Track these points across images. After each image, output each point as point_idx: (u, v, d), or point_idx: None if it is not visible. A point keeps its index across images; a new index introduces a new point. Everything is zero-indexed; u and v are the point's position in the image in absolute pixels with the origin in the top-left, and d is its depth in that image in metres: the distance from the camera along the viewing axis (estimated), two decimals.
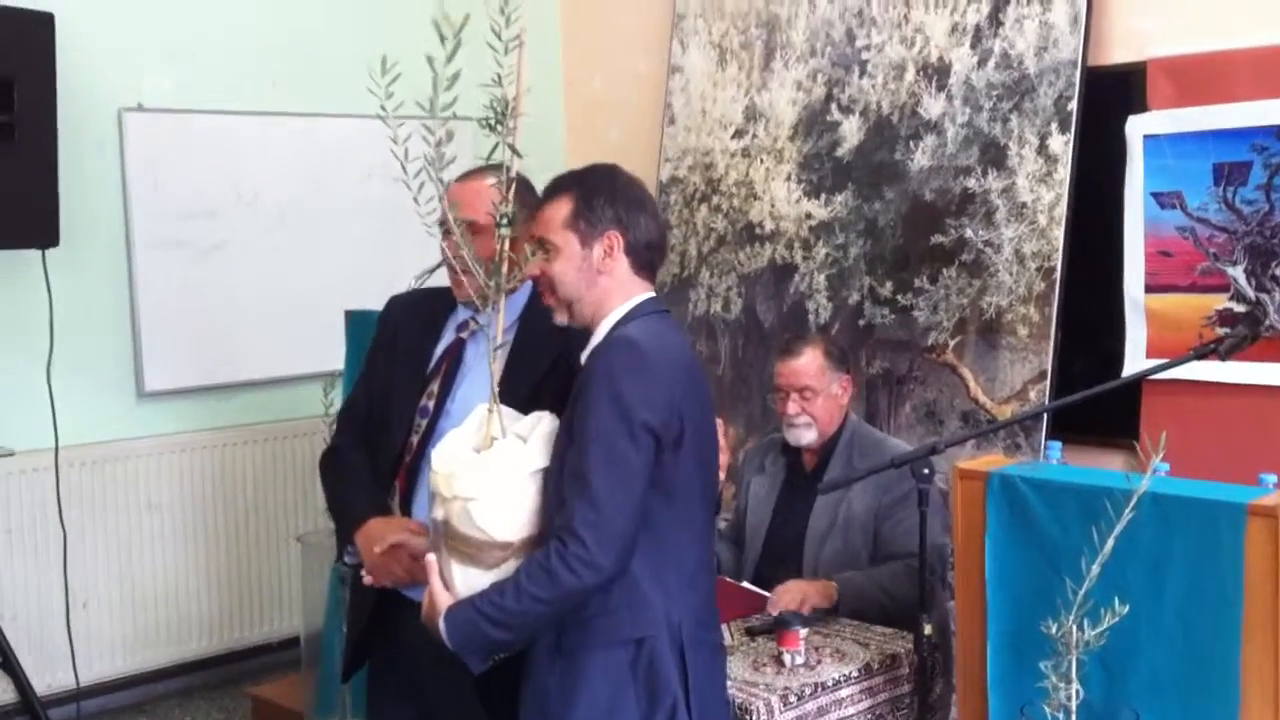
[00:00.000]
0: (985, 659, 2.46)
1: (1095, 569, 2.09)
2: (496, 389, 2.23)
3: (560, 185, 2.28)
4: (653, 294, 2.30)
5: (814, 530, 3.29)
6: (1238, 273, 3.63)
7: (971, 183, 4.14)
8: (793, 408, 3.32)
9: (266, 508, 4.87)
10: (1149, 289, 3.80)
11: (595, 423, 2.10)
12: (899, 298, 4.30)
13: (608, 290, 2.24)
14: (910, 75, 4.35)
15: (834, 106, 4.58)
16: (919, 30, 4.34)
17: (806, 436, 3.34)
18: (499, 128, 2.20)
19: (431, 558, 2.20)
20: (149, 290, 4.56)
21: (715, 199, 4.95)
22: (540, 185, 2.34)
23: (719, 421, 2.37)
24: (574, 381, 2.21)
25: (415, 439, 2.48)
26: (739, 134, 4.89)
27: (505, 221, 2.23)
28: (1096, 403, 2.86)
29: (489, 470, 2.16)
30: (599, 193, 2.24)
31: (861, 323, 4.39)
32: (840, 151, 4.54)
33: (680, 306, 4.90)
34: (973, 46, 4.19)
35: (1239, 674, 2.15)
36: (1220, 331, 3.56)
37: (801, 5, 4.71)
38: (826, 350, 3.39)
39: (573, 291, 2.25)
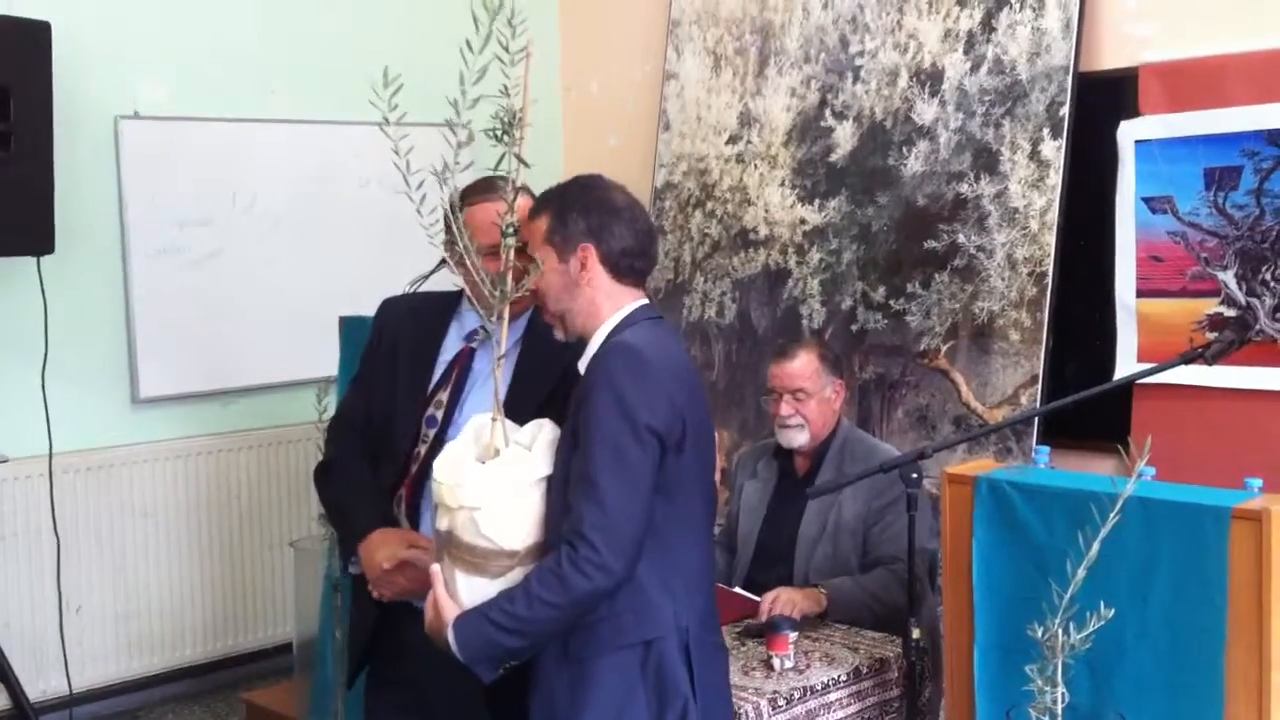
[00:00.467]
0: (973, 663, 2.46)
1: (1081, 573, 2.10)
2: (501, 399, 2.23)
3: (541, 201, 2.29)
4: (644, 301, 2.30)
5: (805, 536, 3.29)
6: (1228, 277, 3.64)
7: (964, 188, 4.15)
8: (785, 409, 3.33)
9: (260, 513, 4.87)
10: (1140, 293, 3.81)
11: (600, 427, 2.11)
12: (892, 303, 4.31)
13: (593, 301, 2.25)
14: (903, 81, 4.36)
15: (828, 112, 4.59)
16: (912, 36, 4.35)
17: (799, 438, 3.34)
18: (505, 138, 2.21)
19: (436, 568, 2.19)
20: (144, 297, 4.56)
21: (709, 204, 4.96)
22: (538, 191, 2.35)
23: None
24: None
25: (423, 449, 2.43)
26: (733, 140, 4.90)
27: (511, 232, 2.24)
28: (1088, 407, 2.87)
29: (495, 479, 2.16)
30: (572, 207, 2.25)
31: (854, 328, 4.40)
32: (834, 157, 4.55)
33: (674, 312, 4.90)
34: (965, 52, 4.20)
35: (1224, 677, 2.16)
36: (1210, 336, 3.56)
37: (795, 12, 4.72)
38: (821, 354, 3.40)
39: (560, 305, 2.26)
